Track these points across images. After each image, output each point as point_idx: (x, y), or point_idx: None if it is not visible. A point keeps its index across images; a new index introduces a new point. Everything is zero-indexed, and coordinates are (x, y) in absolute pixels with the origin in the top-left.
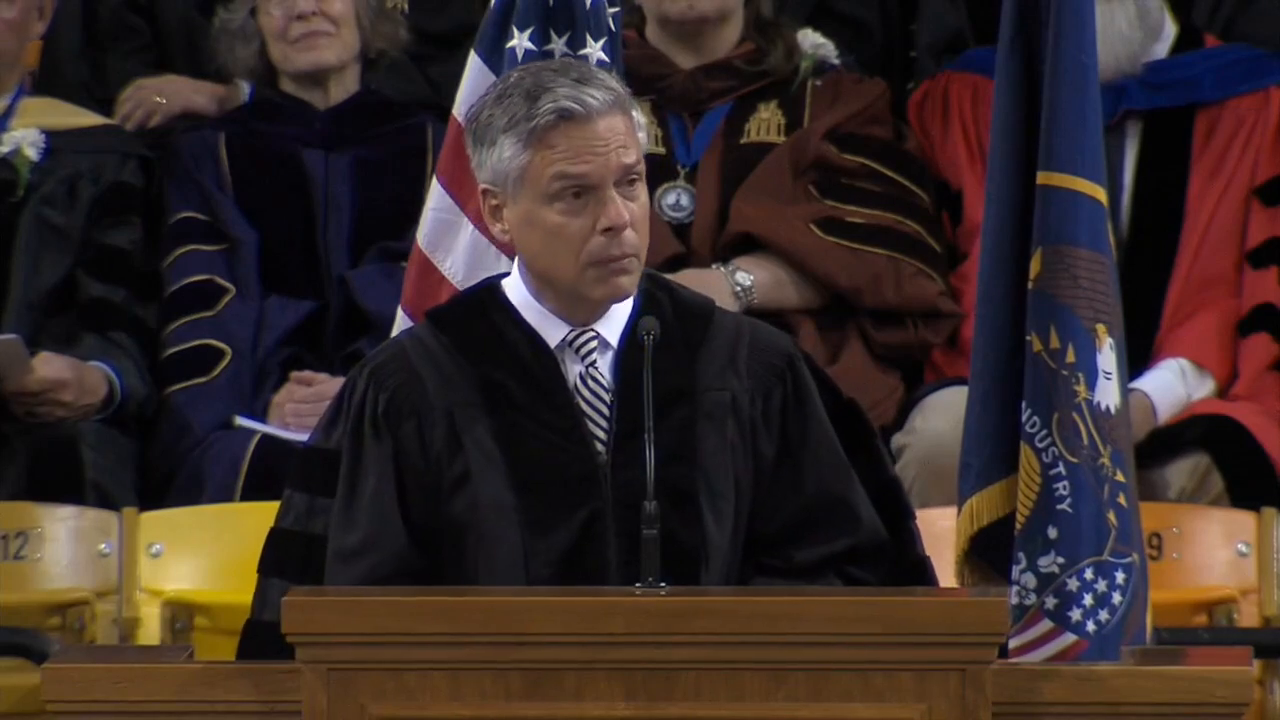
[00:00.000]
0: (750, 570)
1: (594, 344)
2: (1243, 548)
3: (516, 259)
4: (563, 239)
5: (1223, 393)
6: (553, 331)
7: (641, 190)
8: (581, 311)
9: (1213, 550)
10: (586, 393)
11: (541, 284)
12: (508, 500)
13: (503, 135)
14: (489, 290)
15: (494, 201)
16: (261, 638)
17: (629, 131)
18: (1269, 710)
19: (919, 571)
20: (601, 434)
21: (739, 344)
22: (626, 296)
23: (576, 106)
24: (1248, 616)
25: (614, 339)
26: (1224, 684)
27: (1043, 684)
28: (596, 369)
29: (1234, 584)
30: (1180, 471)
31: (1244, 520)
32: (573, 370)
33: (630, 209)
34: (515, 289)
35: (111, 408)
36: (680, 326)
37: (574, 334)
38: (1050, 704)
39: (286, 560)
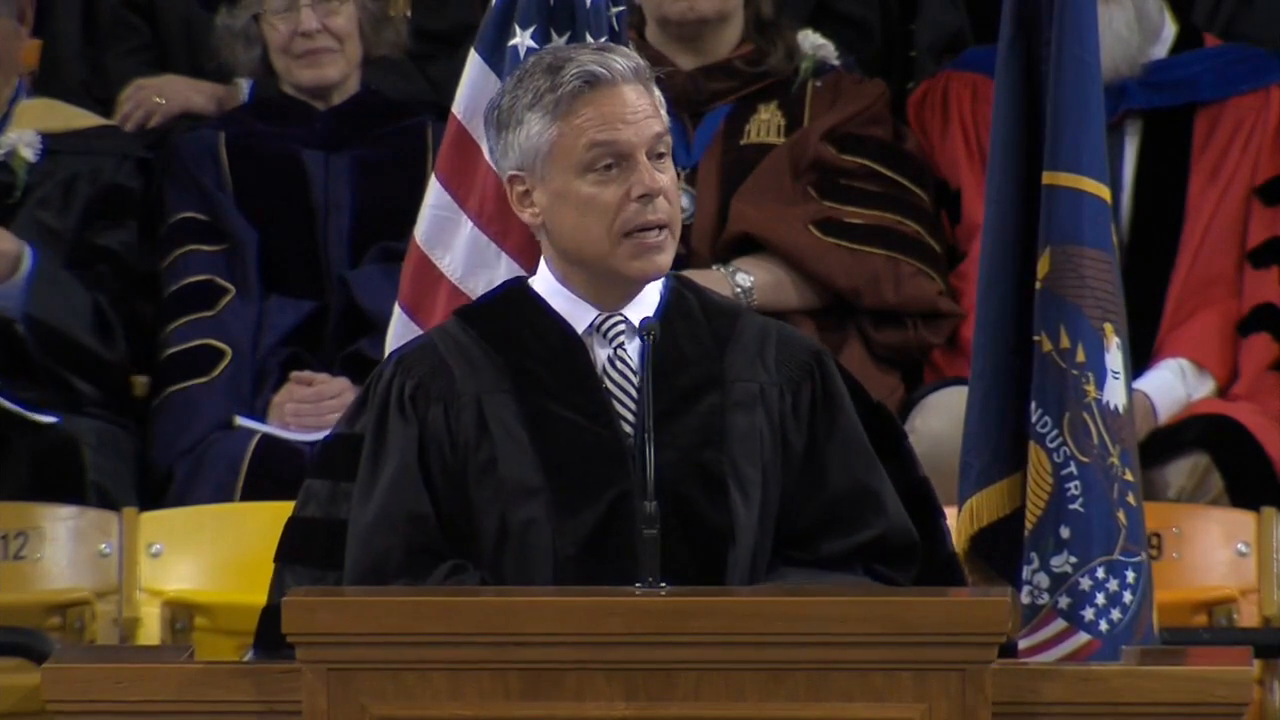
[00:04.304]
0: (779, 564)
1: (622, 328)
2: (1243, 548)
3: (542, 255)
4: (596, 210)
5: (1223, 393)
6: (581, 316)
7: (670, 165)
8: (611, 296)
9: (1213, 550)
10: (615, 374)
11: (571, 268)
12: (535, 481)
13: (528, 112)
14: (517, 288)
15: (521, 187)
16: (279, 624)
17: (654, 103)
18: (1269, 710)
19: (949, 568)
20: (630, 415)
21: (766, 341)
22: (660, 275)
23: (602, 71)
24: (1248, 616)
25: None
26: (1224, 684)
27: (1043, 684)
28: (624, 351)
29: (1234, 584)
30: (1180, 471)
31: (1244, 520)
32: (600, 354)
33: (661, 179)
34: (543, 281)
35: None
36: (709, 323)
37: (601, 318)
38: (1050, 704)
39: (309, 547)
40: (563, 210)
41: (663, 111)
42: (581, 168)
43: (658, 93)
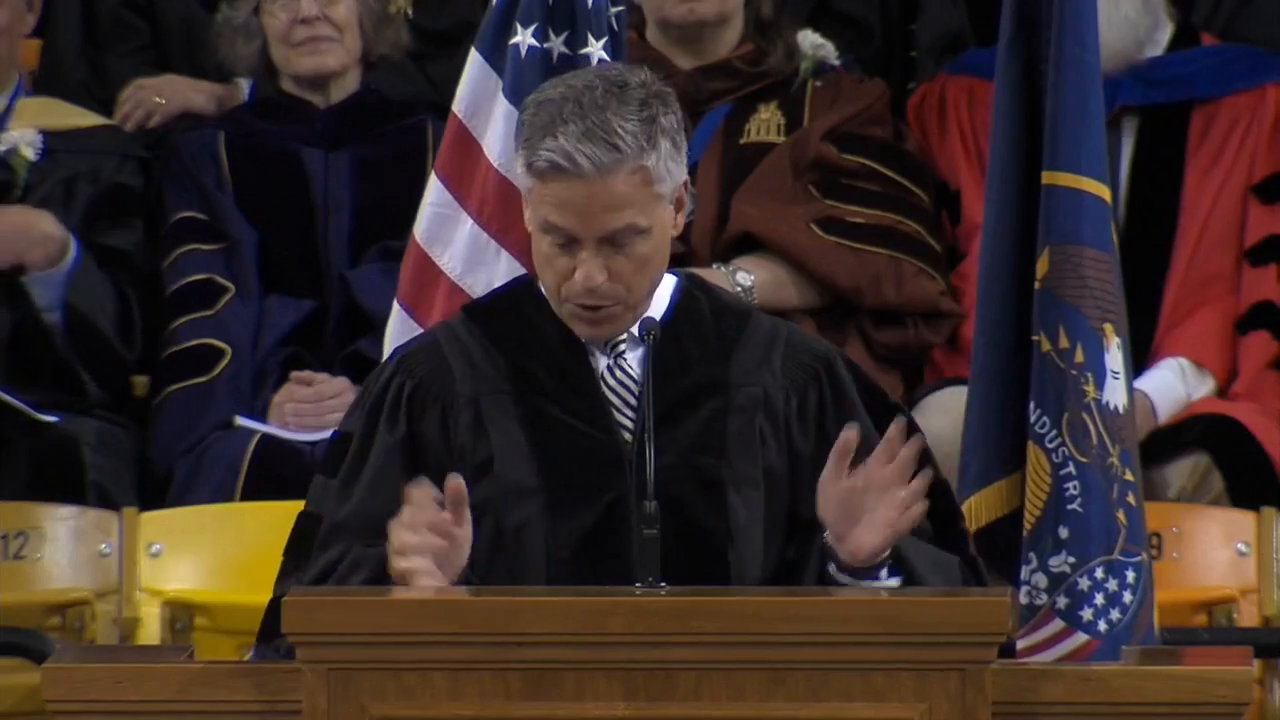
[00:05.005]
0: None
1: (623, 336)
2: (1243, 548)
3: None
4: (549, 269)
5: (1222, 392)
6: None
7: (640, 243)
8: None
9: (1213, 550)
10: (614, 382)
11: None
12: (531, 484)
13: (520, 150)
14: (525, 285)
15: (522, 190)
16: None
17: (633, 190)
18: (1269, 710)
19: (973, 570)
20: (628, 423)
21: (774, 344)
22: (610, 338)
23: (566, 165)
24: (1248, 616)
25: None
26: (1224, 684)
27: (1043, 684)
28: (625, 360)
29: (1234, 584)
30: (1180, 471)
31: (1244, 520)
32: (602, 359)
33: (617, 262)
34: None
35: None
36: (716, 324)
37: None
38: (1050, 704)
39: (310, 544)
40: (533, 246)
41: (661, 187)
42: (540, 229)
43: (656, 161)
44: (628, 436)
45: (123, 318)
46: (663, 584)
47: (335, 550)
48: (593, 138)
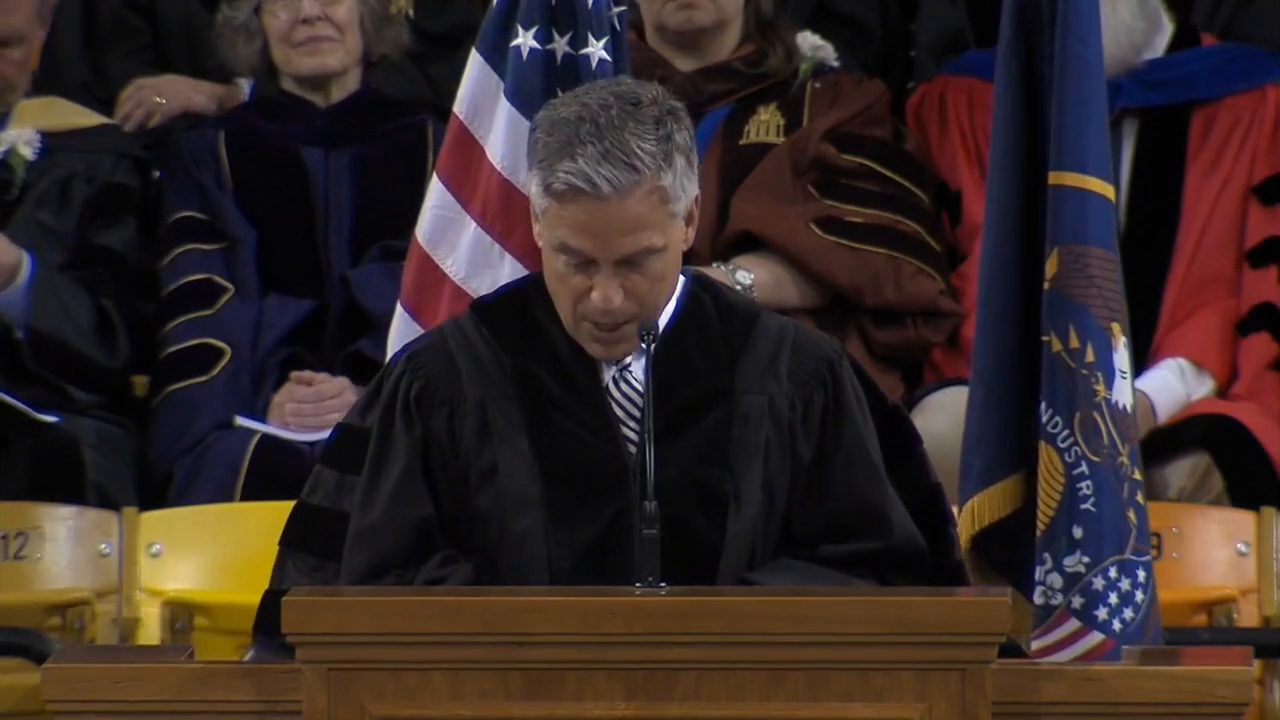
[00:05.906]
0: (780, 556)
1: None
2: (1243, 547)
3: None
4: (563, 287)
5: (1223, 392)
6: None
7: (655, 261)
8: None
9: (1213, 550)
10: (618, 394)
11: None
12: (534, 493)
13: (535, 168)
14: (534, 284)
15: (535, 208)
16: (279, 608)
17: (650, 210)
18: (1269, 710)
19: (955, 576)
20: (633, 434)
21: (781, 348)
22: (623, 357)
23: (586, 187)
24: (1248, 616)
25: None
26: (1224, 684)
27: (1043, 684)
28: (631, 372)
29: (1234, 584)
30: (1180, 471)
31: (1244, 520)
32: (608, 372)
33: (633, 281)
34: None
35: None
36: (722, 328)
37: None
38: (1050, 704)
39: (312, 535)
40: (545, 262)
41: (675, 205)
42: (555, 249)
43: (670, 179)
44: (632, 449)
45: (101, 328)
46: (663, 584)
47: (390, 576)
48: (612, 159)
